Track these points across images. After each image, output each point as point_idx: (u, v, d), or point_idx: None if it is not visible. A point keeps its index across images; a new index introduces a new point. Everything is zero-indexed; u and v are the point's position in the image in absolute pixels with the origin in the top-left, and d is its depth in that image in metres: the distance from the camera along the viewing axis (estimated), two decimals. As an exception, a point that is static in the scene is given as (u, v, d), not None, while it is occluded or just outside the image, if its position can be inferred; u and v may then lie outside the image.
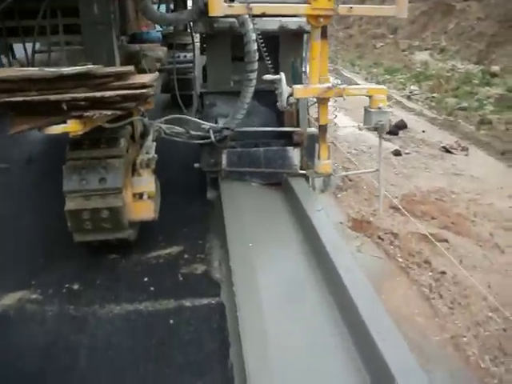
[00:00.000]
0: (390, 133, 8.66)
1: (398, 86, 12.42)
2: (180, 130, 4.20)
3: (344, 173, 4.89)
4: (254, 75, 3.89)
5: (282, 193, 4.42)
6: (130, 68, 3.34)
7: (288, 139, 4.52)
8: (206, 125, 4.26)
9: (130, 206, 3.52)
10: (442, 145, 8.26)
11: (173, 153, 4.96)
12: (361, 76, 14.06)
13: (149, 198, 3.62)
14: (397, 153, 7.67)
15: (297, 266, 3.38)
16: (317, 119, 3.80)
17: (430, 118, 9.87)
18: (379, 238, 4.20)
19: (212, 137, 4.21)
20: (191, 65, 6.15)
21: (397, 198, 5.98)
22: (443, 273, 3.89)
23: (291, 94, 3.47)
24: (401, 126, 8.90)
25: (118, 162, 3.42)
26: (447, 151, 8.01)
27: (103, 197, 3.37)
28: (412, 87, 12.06)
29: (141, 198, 3.60)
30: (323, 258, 3.33)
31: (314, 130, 4.46)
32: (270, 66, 3.71)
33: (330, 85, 3.60)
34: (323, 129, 3.80)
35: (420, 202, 6.05)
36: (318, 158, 3.88)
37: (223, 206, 4.06)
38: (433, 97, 11.20)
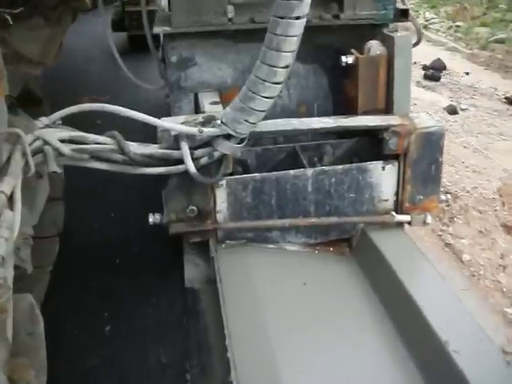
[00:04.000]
0: (430, 78, 5.93)
1: (410, 13, 9.49)
2: (105, 144, 1.41)
3: None
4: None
5: (355, 269, 1.73)
6: None
7: (369, 139, 1.75)
8: (172, 127, 1.44)
9: None
10: (500, 93, 5.59)
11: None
12: (360, 3, 11.07)
13: None
14: (452, 110, 4.97)
15: None
16: None
17: (468, 54, 7.06)
18: None
19: (188, 161, 1.42)
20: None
21: (494, 198, 3.41)
22: None
23: None
24: (439, 67, 6.17)
25: None
26: (512, 103, 5.36)
27: None
28: (428, 14, 9.14)
29: None
30: None
31: (429, 119, 1.70)
32: None
33: None
34: None
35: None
36: None
37: (225, 323, 1.40)
38: (457, 26, 8.35)
